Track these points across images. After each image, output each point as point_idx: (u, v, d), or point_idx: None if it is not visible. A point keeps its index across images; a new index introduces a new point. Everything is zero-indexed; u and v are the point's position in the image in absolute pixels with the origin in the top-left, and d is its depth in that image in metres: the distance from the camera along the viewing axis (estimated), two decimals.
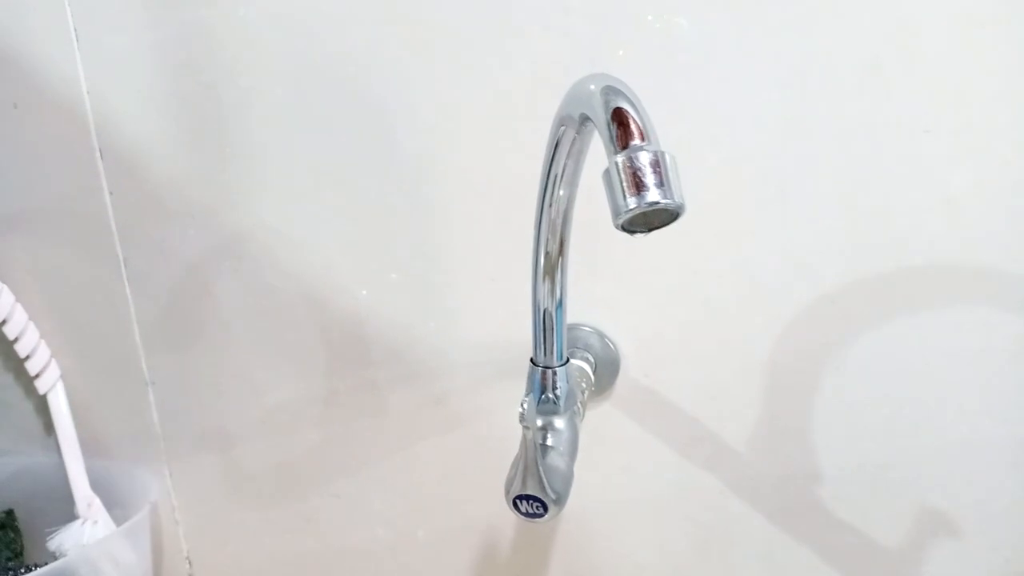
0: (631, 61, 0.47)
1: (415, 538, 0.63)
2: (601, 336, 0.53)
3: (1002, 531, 0.50)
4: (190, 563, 0.70)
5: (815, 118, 0.46)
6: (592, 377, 0.52)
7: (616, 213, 0.28)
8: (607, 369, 0.54)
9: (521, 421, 0.38)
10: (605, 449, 0.56)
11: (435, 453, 0.60)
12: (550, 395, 0.43)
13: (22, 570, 0.65)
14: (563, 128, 0.34)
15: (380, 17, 0.50)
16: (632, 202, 0.28)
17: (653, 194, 0.28)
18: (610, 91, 0.31)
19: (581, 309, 0.53)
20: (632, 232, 0.29)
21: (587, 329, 0.53)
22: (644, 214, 0.28)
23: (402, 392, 0.59)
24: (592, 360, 0.53)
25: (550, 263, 0.38)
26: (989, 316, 0.47)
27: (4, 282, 0.63)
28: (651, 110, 0.30)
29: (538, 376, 0.43)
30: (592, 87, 0.31)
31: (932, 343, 0.48)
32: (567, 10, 0.47)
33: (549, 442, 0.42)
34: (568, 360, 0.43)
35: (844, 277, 0.48)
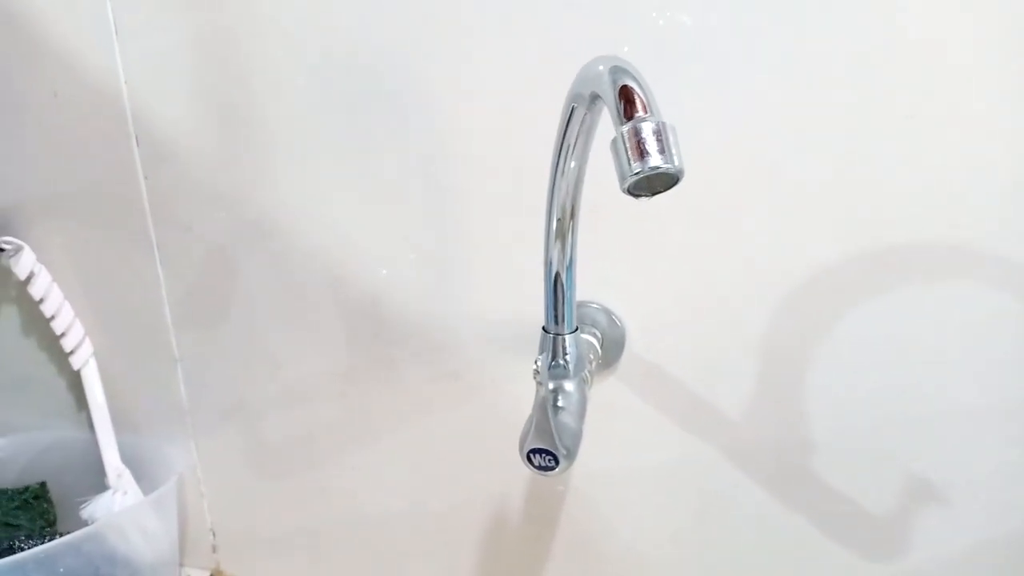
0: (635, 55, 0.50)
1: (428, 508, 0.66)
2: (608, 313, 0.56)
3: (986, 496, 0.53)
4: (214, 534, 0.73)
5: (807, 104, 0.48)
6: (599, 350, 0.55)
7: (622, 178, 0.31)
8: (613, 344, 0.57)
9: (535, 377, 0.41)
10: (611, 420, 0.58)
11: (448, 426, 0.63)
12: (560, 360, 0.46)
13: (56, 537, 0.68)
14: (574, 106, 0.38)
15: (397, 12, 0.53)
16: (636, 167, 0.31)
17: (655, 159, 0.31)
18: (617, 70, 0.34)
19: (589, 288, 0.56)
20: (637, 196, 0.32)
21: (594, 306, 0.57)
22: (647, 178, 0.31)
23: (418, 367, 0.62)
24: (599, 335, 0.56)
25: (562, 228, 0.41)
26: (973, 290, 0.49)
27: (42, 263, 0.66)
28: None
29: (549, 342, 0.46)
30: (601, 68, 0.35)
31: (919, 317, 0.51)
32: (574, 6, 0.50)
33: (560, 403, 0.45)
34: (577, 328, 0.46)
35: (834, 254, 0.51)
